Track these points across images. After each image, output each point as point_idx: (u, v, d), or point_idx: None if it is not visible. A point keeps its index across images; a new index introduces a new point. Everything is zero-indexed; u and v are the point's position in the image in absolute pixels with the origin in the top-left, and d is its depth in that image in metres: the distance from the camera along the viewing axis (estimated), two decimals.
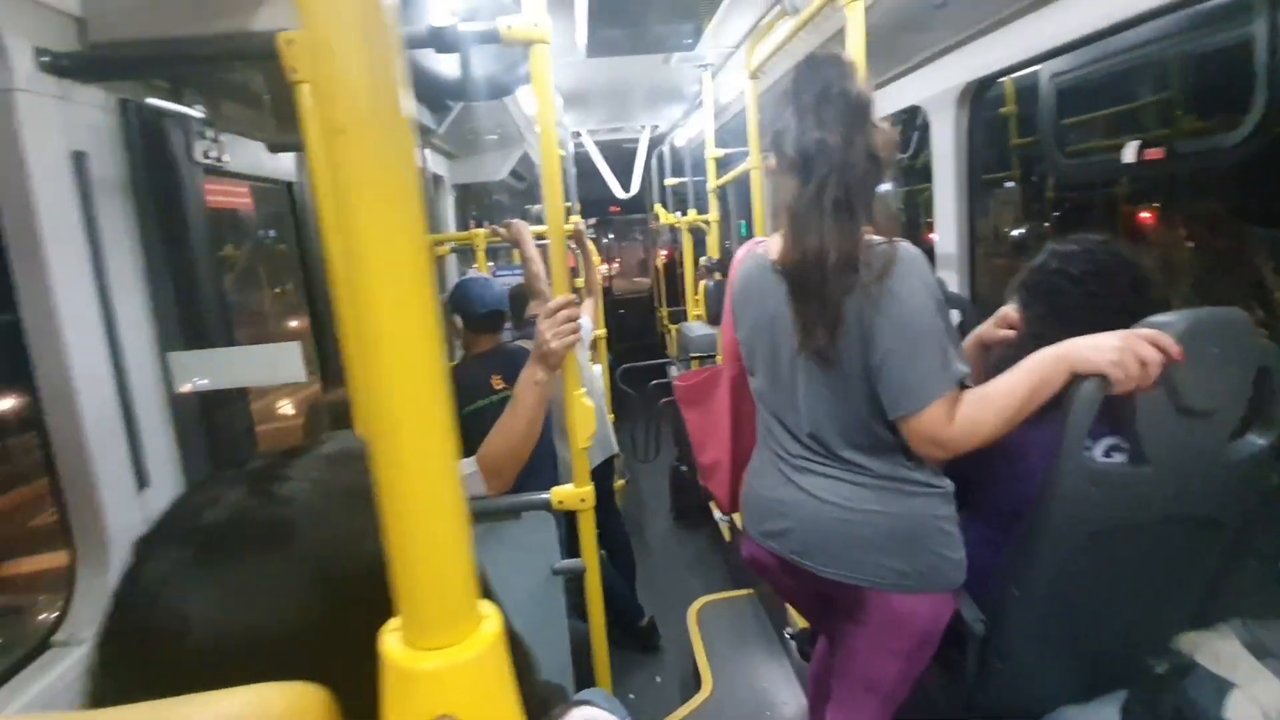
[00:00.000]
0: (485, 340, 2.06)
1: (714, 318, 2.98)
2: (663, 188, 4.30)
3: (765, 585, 2.51)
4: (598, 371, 2.84)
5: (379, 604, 0.39)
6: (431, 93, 1.49)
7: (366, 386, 0.29)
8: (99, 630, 0.38)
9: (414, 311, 0.28)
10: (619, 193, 4.54)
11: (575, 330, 1.21)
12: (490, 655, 0.31)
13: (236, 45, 1.17)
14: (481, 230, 2.48)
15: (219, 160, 1.38)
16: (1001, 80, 2.22)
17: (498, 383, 2.00)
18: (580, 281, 3.16)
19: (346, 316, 1.21)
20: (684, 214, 3.93)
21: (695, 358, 3.97)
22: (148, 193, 1.27)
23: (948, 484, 1.08)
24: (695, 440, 1.41)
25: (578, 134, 4.21)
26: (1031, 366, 0.97)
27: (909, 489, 1.05)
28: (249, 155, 1.63)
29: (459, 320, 2.08)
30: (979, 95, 2.15)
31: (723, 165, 3.07)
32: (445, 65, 1.36)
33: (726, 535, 3.08)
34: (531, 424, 1.28)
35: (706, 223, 3.39)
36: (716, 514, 3.14)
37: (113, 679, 0.36)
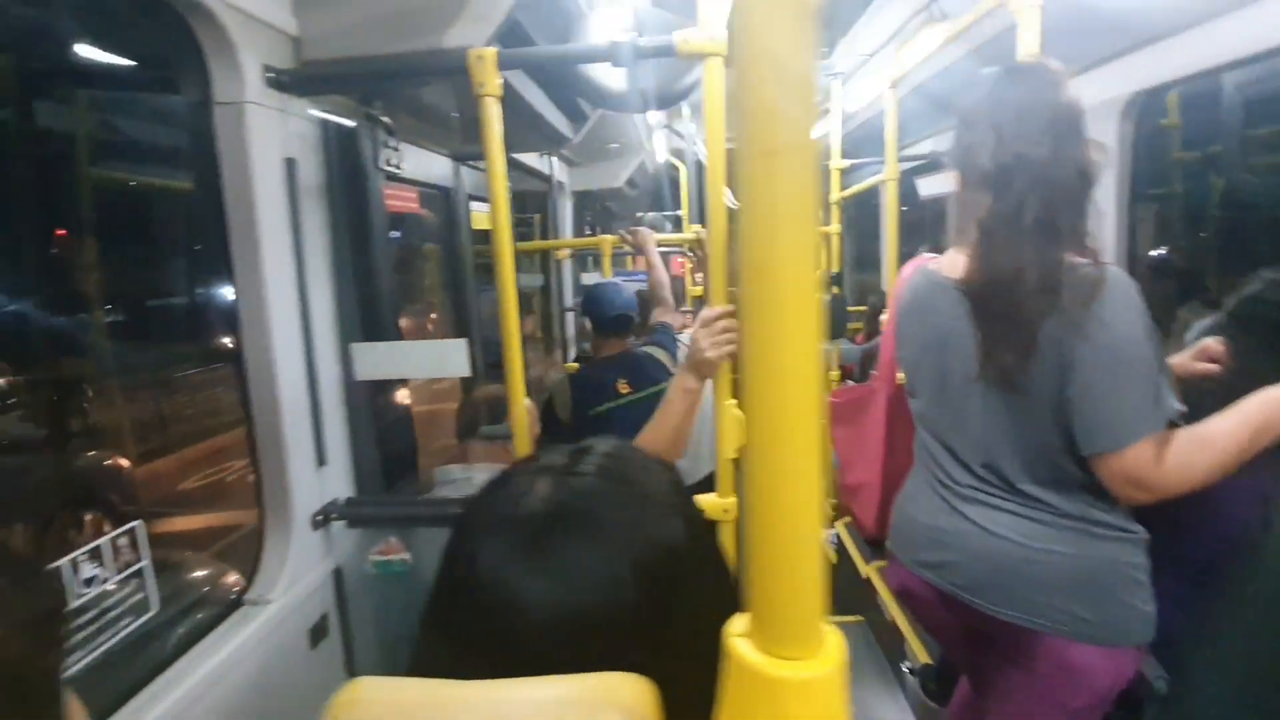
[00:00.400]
0: (613, 344, 2.10)
1: (829, 331, 2.91)
2: None
3: (876, 613, 2.41)
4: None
5: (680, 597, 0.40)
6: (602, 104, 1.55)
7: (755, 397, 0.30)
8: (433, 605, 0.41)
9: (811, 327, 0.28)
10: (729, 202, 4.52)
11: (732, 340, 1.21)
12: (841, 673, 0.31)
13: (430, 61, 1.26)
14: (608, 236, 2.54)
15: (397, 168, 1.48)
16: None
17: (623, 387, 2.04)
18: (699, 290, 3.18)
19: (510, 317, 1.27)
20: None
21: None
22: (339, 196, 1.38)
23: (1141, 530, 1.00)
24: (842, 459, 1.38)
25: (691, 142, 4.24)
26: (1255, 408, 0.88)
27: (1099, 531, 0.97)
28: (418, 162, 1.74)
29: (588, 323, 2.13)
30: (1147, 106, 1.99)
31: (846, 176, 3.00)
32: (610, 78, 1.40)
33: (832, 557, 2.99)
34: (678, 431, 1.29)
35: (824, 235, 3.32)
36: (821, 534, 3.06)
37: (450, 650, 0.38)
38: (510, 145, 2.22)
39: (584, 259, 3.70)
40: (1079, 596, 0.97)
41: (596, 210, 4.50)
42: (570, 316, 3.35)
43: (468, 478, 1.44)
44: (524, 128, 1.97)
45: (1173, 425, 0.91)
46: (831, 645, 0.32)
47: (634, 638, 0.38)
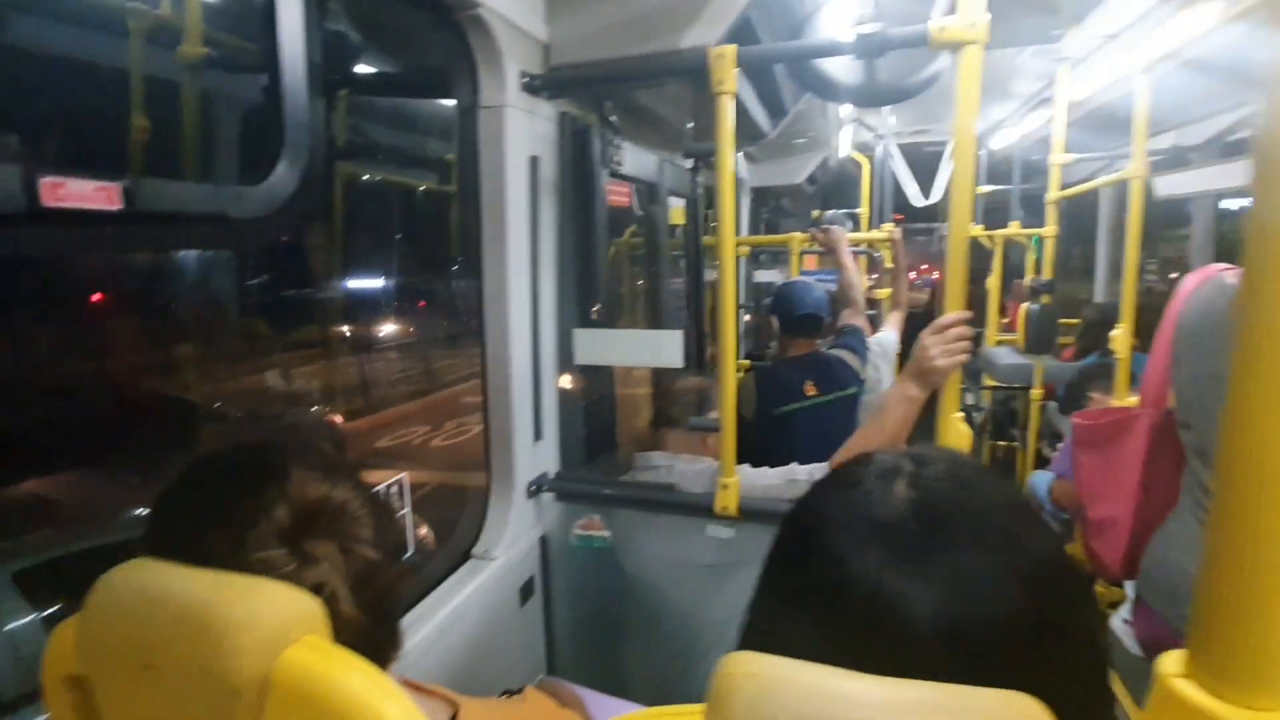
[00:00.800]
0: (800, 344, 2.07)
1: (1035, 345, 2.63)
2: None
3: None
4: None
5: (1055, 611, 0.38)
6: (829, 96, 1.53)
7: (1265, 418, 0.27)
8: (788, 598, 0.42)
9: None
10: (915, 200, 4.26)
11: (965, 350, 1.13)
12: None
13: (668, 62, 1.30)
14: (798, 234, 2.49)
15: (619, 164, 1.56)
16: None
17: (810, 389, 1.99)
18: (883, 294, 3.02)
19: (728, 311, 1.28)
20: (986, 226, 3.53)
21: (990, 387, 3.57)
22: (569, 191, 1.48)
23: None
24: (1085, 488, 1.24)
25: (881, 136, 4.03)
26: None
27: None
28: (630, 158, 1.81)
29: (776, 322, 2.11)
30: None
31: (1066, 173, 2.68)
32: (844, 73, 1.37)
33: None
34: (895, 440, 1.23)
35: (1034, 238, 3.01)
36: None
37: (813, 644, 0.39)
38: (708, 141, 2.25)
39: (756, 257, 3.66)
40: None
41: (771, 207, 4.43)
42: (742, 314, 3.34)
43: (669, 465, 1.48)
44: None
45: None
46: None
47: (1013, 652, 0.36)
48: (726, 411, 1.29)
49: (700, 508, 1.35)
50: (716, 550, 1.39)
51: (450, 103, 1.33)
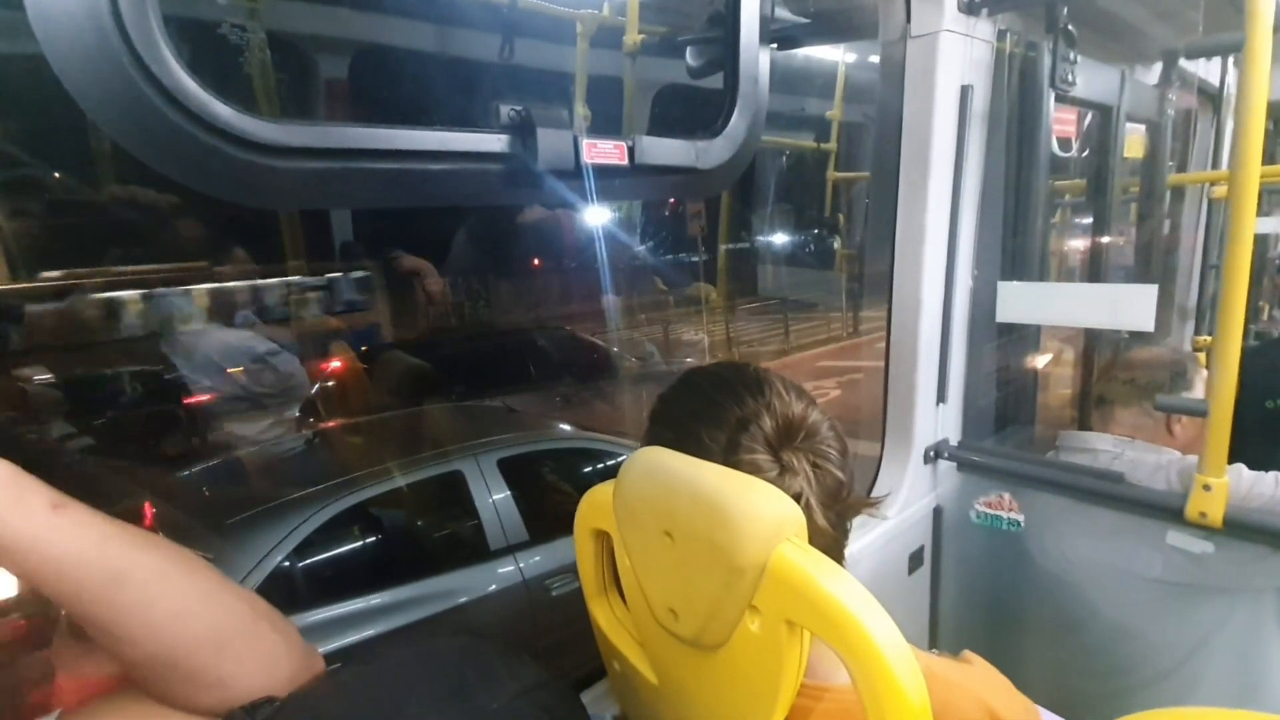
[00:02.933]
0: None
1: None
2: None
3: None
4: None
5: None
6: None
7: None
8: None
9: None
10: None
11: None
12: None
13: None
14: None
15: (1071, 85, 1.30)
16: None
17: None
18: None
19: (1239, 266, 0.97)
20: None
21: None
22: (1003, 123, 1.30)
23: None
24: None
25: None
26: None
27: None
28: (1082, 77, 1.50)
29: None
30: None
31: None
32: None
33: None
34: None
35: None
36: None
37: None
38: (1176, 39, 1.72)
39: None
40: None
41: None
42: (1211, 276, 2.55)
43: (1116, 451, 1.21)
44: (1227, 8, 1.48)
45: None
46: None
47: None
48: (1221, 393, 0.99)
49: (1162, 509, 1.09)
50: (1180, 565, 1.11)
51: (825, 57, 1.27)
